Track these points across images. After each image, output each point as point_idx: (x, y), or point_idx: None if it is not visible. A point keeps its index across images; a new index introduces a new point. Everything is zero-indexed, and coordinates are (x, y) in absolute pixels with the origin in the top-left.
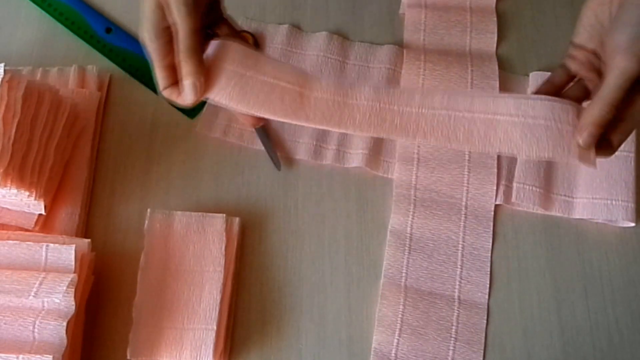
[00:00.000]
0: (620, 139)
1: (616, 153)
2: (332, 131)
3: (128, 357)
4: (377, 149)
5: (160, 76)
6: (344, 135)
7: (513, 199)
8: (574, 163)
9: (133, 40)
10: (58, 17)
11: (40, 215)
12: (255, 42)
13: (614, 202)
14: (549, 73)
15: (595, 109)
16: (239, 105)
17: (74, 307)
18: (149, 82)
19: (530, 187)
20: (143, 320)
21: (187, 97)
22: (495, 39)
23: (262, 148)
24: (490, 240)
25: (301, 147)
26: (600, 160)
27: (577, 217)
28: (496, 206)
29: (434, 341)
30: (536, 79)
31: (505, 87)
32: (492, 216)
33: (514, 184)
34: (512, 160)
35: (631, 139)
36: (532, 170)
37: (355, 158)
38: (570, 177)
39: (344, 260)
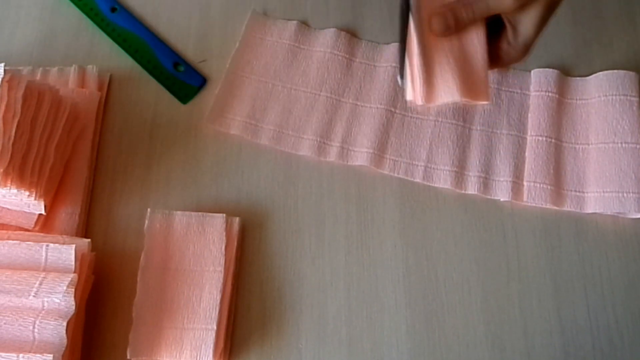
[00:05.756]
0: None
1: (624, 145)
2: (336, 128)
3: (128, 357)
4: (383, 148)
5: None
6: (348, 133)
7: (525, 198)
8: None
9: (136, 22)
10: None
11: (40, 215)
12: None
13: (625, 195)
14: (551, 70)
15: None
16: None
17: (74, 307)
18: (147, 65)
19: (541, 185)
20: (143, 320)
21: None
22: None
23: (263, 147)
24: None
25: (305, 143)
26: (609, 154)
27: (590, 211)
28: (497, 206)
29: None
30: (538, 75)
31: (506, 82)
32: None
33: (525, 183)
34: (520, 157)
35: (637, 130)
36: (542, 168)
37: (360, 156)
38: (580, 172)
39: (344, 260)
